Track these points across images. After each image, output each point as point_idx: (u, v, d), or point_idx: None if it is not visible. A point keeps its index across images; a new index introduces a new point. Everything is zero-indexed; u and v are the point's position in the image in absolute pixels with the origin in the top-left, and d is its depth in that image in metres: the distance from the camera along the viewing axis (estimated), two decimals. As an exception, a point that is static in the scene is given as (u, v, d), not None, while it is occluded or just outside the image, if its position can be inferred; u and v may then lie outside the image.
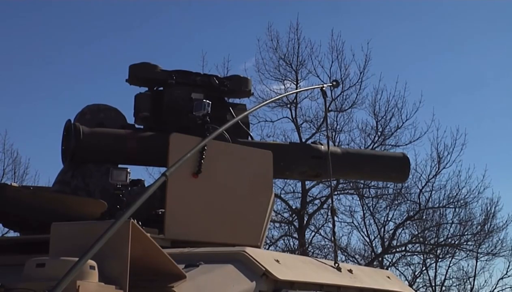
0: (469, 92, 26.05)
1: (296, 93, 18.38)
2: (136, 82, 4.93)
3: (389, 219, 19.24)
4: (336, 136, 18.25)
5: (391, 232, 19.29)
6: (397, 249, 19.59)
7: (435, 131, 18.94)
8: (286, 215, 18.85)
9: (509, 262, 20.20)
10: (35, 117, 25.52)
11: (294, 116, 18.35)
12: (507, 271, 20.26)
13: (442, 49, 25.76)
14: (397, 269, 19.61)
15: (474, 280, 20.27)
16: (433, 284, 19.98)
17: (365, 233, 19.36)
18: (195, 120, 4.54)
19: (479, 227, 19.47)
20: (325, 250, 18.62)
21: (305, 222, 18.53)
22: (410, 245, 19.60)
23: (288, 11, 25.58)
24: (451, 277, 20.35)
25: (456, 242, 19.48)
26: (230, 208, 4.50)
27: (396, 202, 19.11)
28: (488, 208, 19.43)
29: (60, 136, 4.71)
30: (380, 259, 19.17)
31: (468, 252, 19.82)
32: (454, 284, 20.52)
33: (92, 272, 2.69)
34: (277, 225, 18.75)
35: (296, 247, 18.31)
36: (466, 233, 19.38)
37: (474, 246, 19.63)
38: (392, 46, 25.25)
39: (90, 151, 4.52)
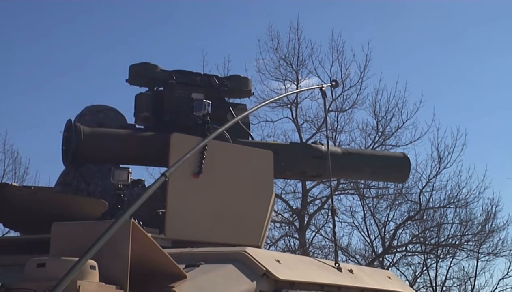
0: (470, 92, 26.08)
1: (297, 93, 18.39)
2: (136, 82, 4.93)
3: (389, 219, 19.26)
4: (336, 136, 18.28)
5: (391, 232, 19.31)
6: (398, 249, 19.59)
7: (435, 131, 19.00)
8: (286, 215, 18.87)
9: (510, 262, 20.20)
10: (35, 117, 25.55)
11: (294, 116, 18.37)
12: (507, 271, 20.27)
13: (443, 49, 25.79)
14: (398, 269, 19.63)
15: (474, 280, 20.27)
16: (434, 284, 19.97)
17: (366, 233, 19.38)
18: (196, 120, 4.54)
19: (480, 227, 19.47)
20: (326, 250, 18.64)
21: (305, 222, 18.54)
22: (410, 245, 19.60)
23: (288, 11, 25.62)
24: (451, 277, 20.36)
25: (456, 242, 19.47)
26: (230, 208, 4.49)
27: (397, 202, 19.11)
28: (489, 208, 19.44)
29: (60, 136, 4.71)
30: (380, 259, 19.17)
31: (468, 252, 19.82)
32: (455, 284, 20.54)
33: (92, 272, 2.69)
34: (278, 225, 18.77)
35: (296, 247, 18.31)
36: (466, 233, 19.38)
37: (475, 246, 19.63)
38: (392, 46, 25.28)
39: (90, 151, 4.52)
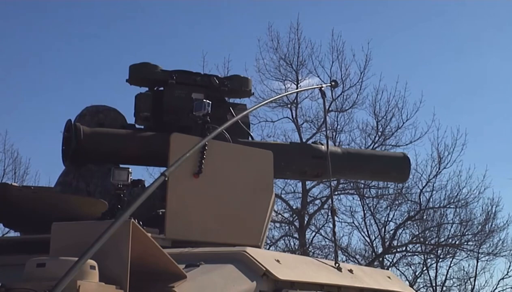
0: (470, 92, 26.09)
1: (296, 93, 18.40)
2: (136, 82, 4.93)
3: (389, 219, 19.28)
4: (336, 136, 18.30)
5: (391, 232, 19.31)
6: (398, 249, 19.60)
7: (435, 131, 19.00)
8: (286, 215, 18.88)
9: (510, 262, 20.22)
10: (35, 117, 25.56)
11: (294, 116, 18.38)
12: (507, 271, 20.28)
13: (443, 49, 25.81)
14: (398, 269, 19.64)
15: (474, 280, 20.29)
16: (434, 284, 19.98)
17: (366, 233, 19.39)
18: (196, 120, 4.54)
19: (480, 227, 19.49)
20: (326, 250, 18.66)
21: (305, 222, 18.54)
22: (410, 245, 19.61)
23: (288, 11, 25.60)
24: (451, 277, 20.38)
25: (456, 242, 19.48)
26: (230, 208, 4.49)
27: (397, 202, 19.12)
28: (489, 208, 19.46)
29: (60, 136, 4.72)
30: (380, 259, 19.18)
31: (468, 252, 19.83)
32: (455, 284, 20.56)
33: (92, 272, 2.69)
34: (278, 225, 18.78)
35: (296, 247, 18.32)
36: (466, 233, 19.40)
37: (475, 246, 19.64)
38: (392, 46, 25.29)
39: (90, 151, 4.52)
